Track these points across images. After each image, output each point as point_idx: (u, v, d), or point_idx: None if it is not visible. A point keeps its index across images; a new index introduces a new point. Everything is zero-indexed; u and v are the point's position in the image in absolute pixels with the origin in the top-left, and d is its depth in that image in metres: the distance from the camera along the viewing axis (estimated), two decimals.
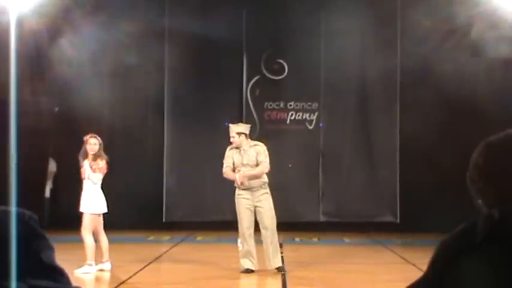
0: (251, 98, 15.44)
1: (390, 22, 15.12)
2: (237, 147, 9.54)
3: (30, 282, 1.17)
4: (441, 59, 14.13)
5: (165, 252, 11.80)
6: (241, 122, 11.27)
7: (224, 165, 9.65)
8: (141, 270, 9.56)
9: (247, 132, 9.64)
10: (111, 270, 9.45)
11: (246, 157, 9.45)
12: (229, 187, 14.94)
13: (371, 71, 15.22)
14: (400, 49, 15.06)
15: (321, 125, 15.40)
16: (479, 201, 1.79)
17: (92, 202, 9.40)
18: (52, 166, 15.28)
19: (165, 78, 15.37)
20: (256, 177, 9.39)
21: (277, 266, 9.33)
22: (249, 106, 15.41)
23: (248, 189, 9.39)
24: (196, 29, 14.71)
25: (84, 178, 9.48)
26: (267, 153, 9.49)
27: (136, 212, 14.97)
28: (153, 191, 15.28)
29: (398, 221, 15.08)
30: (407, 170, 15.00)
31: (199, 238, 13.96)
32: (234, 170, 9.51)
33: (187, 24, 14.79)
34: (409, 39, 14.61)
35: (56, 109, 15.35)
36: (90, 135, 9.55)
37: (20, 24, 11.75)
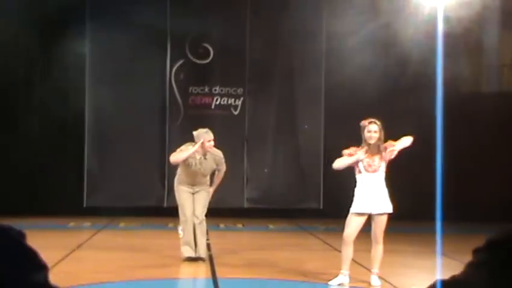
0: (175, 82, 15.20)
1: (317, 9, 15.12)
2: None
3: None
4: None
5: (88, 239, 11.49)
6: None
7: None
8: (63, 259, 9.27)
9: None
10: None
11: (204, 164, 9.26)
12: (155, 171, 14.79)
13: (298, 56, 15.22)
14: (325, 34, 15.05)
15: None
16: None
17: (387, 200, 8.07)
18: None
19: (86, 61, 14.93)
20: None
21: (200, 256, 9.22)
22: (173, 90, 15.17)
23: (191, 185, 9.31)
24: (120, 12, 14.38)
25: (376, 171, 8.05)
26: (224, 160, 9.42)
27: (55, 197, 14.54)
28: (73, 174, 14.87)
29: (321, 207, 15.17)
30: (331, 157, 15.05)
31: (122, 224, 13.65)
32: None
33: (110, 6, 14.49)
34: (333, 28, 14.59)
35: None
36: (369, 120, 8.00)
37: None
